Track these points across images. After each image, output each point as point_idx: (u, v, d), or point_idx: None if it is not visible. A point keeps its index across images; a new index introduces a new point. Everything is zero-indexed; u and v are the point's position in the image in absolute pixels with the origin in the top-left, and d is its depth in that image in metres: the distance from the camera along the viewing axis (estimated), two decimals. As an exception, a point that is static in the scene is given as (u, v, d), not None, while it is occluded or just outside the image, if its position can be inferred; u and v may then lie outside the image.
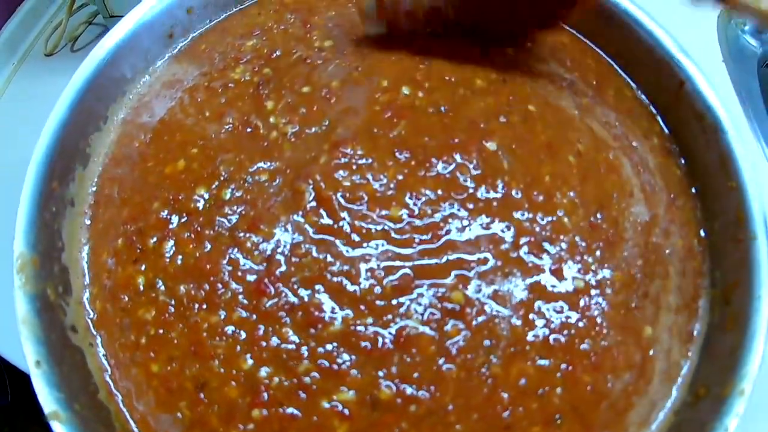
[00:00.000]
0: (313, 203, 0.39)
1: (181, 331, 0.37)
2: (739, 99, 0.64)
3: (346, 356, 0.35)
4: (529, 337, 0.36)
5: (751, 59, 0.67)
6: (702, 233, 0.42)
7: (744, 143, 0.42)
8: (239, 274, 0.38)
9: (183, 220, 0.40)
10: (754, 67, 0.67)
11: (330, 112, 0.42)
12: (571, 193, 0.41)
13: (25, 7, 0.70)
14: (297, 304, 0.37)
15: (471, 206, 0.39)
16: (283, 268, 0.38)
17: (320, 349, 0.36)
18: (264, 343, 0.36)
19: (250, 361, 0.36)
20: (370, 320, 0.36)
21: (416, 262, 0.37)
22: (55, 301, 0.38)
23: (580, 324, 0.37)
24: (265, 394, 0.35)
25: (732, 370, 0.36)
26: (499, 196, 0.40)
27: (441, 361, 0.35)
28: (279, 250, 0.38)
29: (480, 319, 0.36)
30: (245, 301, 0.37)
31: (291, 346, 0.36)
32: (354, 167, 0.40)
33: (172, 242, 0.39)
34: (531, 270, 0.38)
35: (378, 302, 0.36)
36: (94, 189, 0.43)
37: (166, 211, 0.40)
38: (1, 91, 0.66)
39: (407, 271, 0.37)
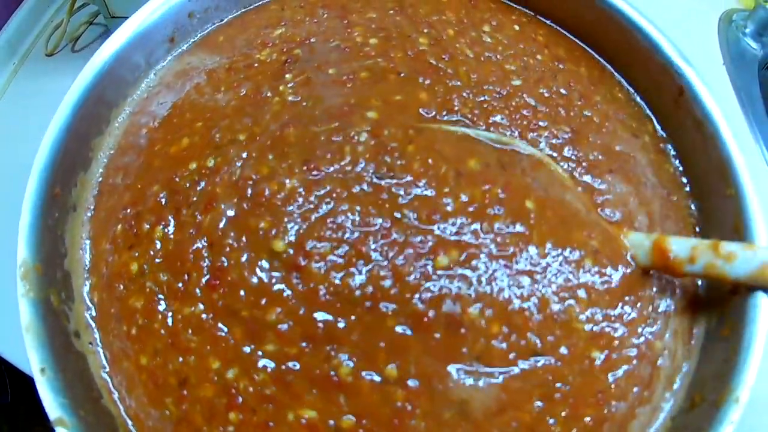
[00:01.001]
0: (232, 180, 0.37)
1: (162, 321, 0.36)
2: (739, 102, 0.64)
3: (291, 377, 0.34)
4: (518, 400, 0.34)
5: (752, 62, 0.67)
6: (697, 229, 0.43)
7: (743, 151, 0.42)
8: (201, 263, 0.36)
9: (172, 200, 0.39)
10: (754, 70, 0.67)
11: (331, 93, 0.41)
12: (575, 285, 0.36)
13: (26, 7, 0.70)
14: (238, 308, 0.35)
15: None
16: (224, 260, 0.36)
17: (269, 363, 0.34)
18: (224, 344, 0.35)
19: (217, 362, 0.35)
20: (294, 350, 0.34)
21: (319, 315, 0.34)
22: (59, 307, 0.38)
23: (586, 382, 0.35)
24: (240, 398, 0.34)
25: (727, 377, 0.36)
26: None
27: (396, 418, 0.33)
28: (219, 233, 0.36)
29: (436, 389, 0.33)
30: (201, 296, 0.36)
31: (247, 349, 0.34)
32: (279, 156, 0.38)
33: (161, 226, 0.38)
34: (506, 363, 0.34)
35: (300, 341, 0.34)
36: (99, 180, 0.43)
37: (163, 193, 0.39)
38: (1, 92, 0.66)
39: (317, 324, 0.34)
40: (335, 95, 0.41)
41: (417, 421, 0.33)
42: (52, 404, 0.34)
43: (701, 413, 0.36)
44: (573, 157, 0.42)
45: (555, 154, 0.42)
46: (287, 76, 0.43)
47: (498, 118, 0.42)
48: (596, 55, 0.49)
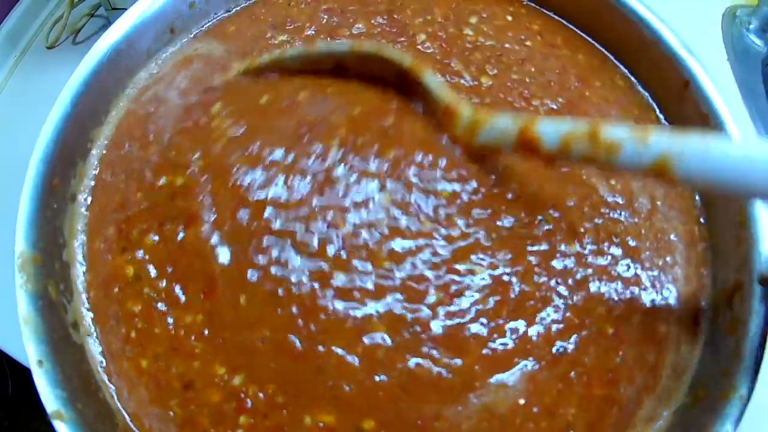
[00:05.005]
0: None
1: (163, 327, 0.36)
2: (743, 98, 0.63)
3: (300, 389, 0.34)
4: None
5: (756, 58, 0.67)
6: (702, 220, 0.42)
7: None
8: (196, 274, 0.37)
9: (153, 212, 0.39)
10: (758, 67, 0.66)
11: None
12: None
13: (27, 0, 0.70)
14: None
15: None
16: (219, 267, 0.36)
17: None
18: (226, 353, 0.35)
19: (223, 368, 0.35)
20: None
21: None
22: (57, 298, 0.38)
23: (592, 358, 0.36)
24: (249, 401, 0.34)
25: (733, 373, 0.35)
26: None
27: (419, 419, 0.33)
28: (205, 234, 0.37)
29: None
30: (201, 306, 0.36)
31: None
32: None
33: (150, 235, 0.38)
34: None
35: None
36: (95, 172, 0.42)
37: (145, 204, 0.39)
38: (2, 85, 0.66)
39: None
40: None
41: (440, 423, 0.33)
42: (49, 397, 0.34)
43: (705, 409, 0.36)
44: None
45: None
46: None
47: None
48: (598, 45, 0.49)
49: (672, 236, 0.41)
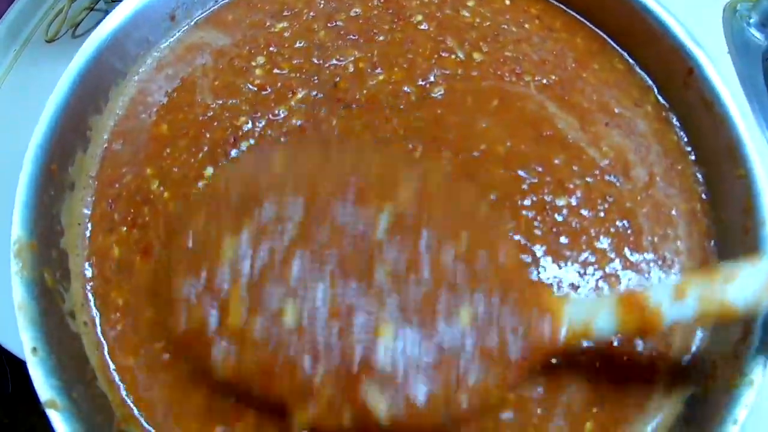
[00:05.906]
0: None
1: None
2: (744, 91, 0.63)
3: None
4: None
5: (756, 52, 0.67)
6: (704, 197, 0.42)
7: (752, 132, 0.41)
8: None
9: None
10: (758, 61, 0.66)
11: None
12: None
13: (26, -6, 0.69)
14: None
15: None
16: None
17: None
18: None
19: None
20: None
21: None
22: (53, 286, 0.37)
23: None
24: None
25: (741, 359, 0.35)
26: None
27: None
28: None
29: None
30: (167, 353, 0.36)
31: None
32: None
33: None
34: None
35: None
36: (105, 145, 0.43)
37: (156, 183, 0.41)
38: (1, 78, 0.65)
39: None
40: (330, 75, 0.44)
41: None
42: (43, 385, 0.33)
43: (715, 397, 0.35)
44: (564, 98, 0.43)
45: (542, 96, 0.43)
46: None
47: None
48: (598, 30, 0.48)
49: (672, 211, 0.41)
